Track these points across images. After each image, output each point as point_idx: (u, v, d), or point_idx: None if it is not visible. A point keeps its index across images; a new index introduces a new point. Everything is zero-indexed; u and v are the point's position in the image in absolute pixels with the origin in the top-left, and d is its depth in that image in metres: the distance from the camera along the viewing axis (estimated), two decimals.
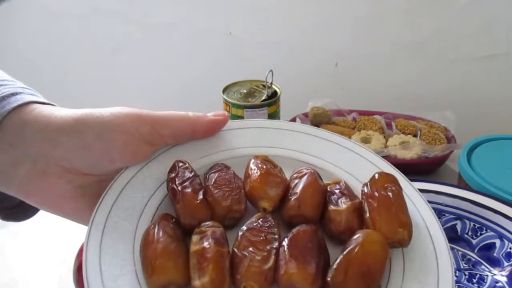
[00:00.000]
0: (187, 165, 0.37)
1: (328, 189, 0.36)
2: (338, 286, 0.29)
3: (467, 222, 0.52)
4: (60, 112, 0.36)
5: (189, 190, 0.34)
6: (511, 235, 0.49)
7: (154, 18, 1.04)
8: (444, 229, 0.52)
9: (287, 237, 0.32)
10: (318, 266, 0.30)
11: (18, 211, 0.41)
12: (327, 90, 0.96)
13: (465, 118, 0.79)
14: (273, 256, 0.31)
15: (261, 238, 0.32)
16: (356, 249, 0.30)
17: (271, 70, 0.68)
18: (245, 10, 0.99)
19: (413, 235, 0.33)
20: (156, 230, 0.32)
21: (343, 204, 0.34)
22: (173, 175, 0.36)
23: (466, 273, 0.48)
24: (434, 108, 0.82)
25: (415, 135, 0.75)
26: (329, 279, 0.29)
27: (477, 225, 0.52)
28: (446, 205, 0.53)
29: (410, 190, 0.37)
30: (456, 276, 0.48)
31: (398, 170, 0.39)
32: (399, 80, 0.95)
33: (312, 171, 0.37)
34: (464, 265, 0.49)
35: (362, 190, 0.35)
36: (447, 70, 0.91)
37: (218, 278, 0.29)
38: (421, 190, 0.54)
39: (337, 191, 0.36)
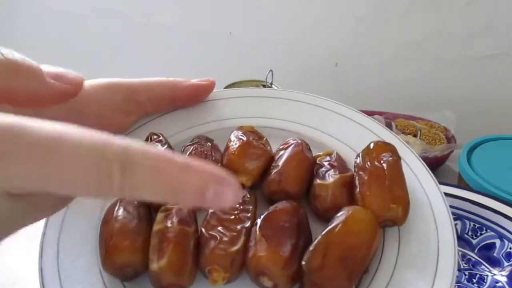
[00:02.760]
0: (161, 137, 0.33)
1: (317, 162, 0.32)
2: (314, 272, 0.25)
3: (467, 222, 0.52)
4: None
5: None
6: (511, 235, 0.49)
7: (154, 18, 1.04)
8: None
9: (262, 215, 0.28)
10: (294, 249, 0.26)
11: None
12: (327, 90, 0.96)
13: (465, 118, 0.79)
14: (243, 237, 0.27)
15: (233, 216, 0.28)
16: (337, 229, 0.26)
17: (271, 70, 0.68)
18: (245, 10, 0.99)
19: (413, 214, 0.28)
20: (116, 207, 0.29)
21: (331, 177, 0.30)
22: None
23: (466, 273, 0.48)
24: (434, 108, 0.82)
25: (415, 135, 0.75)
26: (303, 263, 0.25)
27: (477, 225, 0.51)
28: None
29: (416, 163, 0.32)
30: (456, 276, 0.48)
31: (404, 142, 0.33)
32: (399, 80, 0.95)
33: (300, 141, 0.32)
34: (464, 265, 0.49)
35: (355, 162, 0.31)
36: (447, 70, 0.91)
37: (179, 260, 0.26)
38: None
39: (326, 163, 0.31)
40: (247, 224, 0.28)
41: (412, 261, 0.27)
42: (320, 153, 0.33)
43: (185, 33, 1.04)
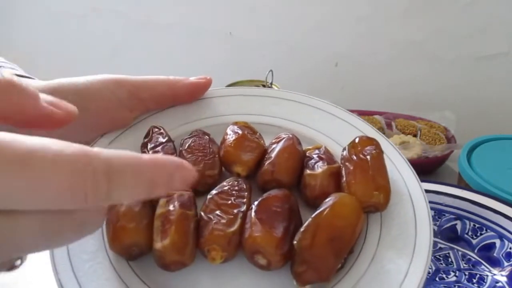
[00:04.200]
0: (161, 130, 0.35)
1: (307, 155, 0.35)
2: (304, 250, 0.27)
3: (467, 222, 0.52)
4: (39, 83, 0.35)
5: (159, 154, 0.33)
6: (511, 235, 0.49)
7: (154, 18, 1.04)
8: (444, 229, 0.52)
9: (256, 201, 0.30)
10: (286, 231, 0.28)
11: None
12: (327, 90, 0.96)
13: (465, 118, 0.79)
14: (239, 220, 0.29)
15: (230, 202, 0.30)
16: (326, 212, 0.28)
17: (271, 70, 0.68)
18: (245, 10, 0.99)
19: (394, 201, 0.31)
20: None
21: (319, 168, 0.33)
22: (146, 140, 0.35)
23: (466, 273, 0.48)
24: (434, 108, 0.82)
25: (415, 135, 0.75)
26: (295, 242, 0.28)
27: (477, 225, 0.52)
28: (446, 205, 0.53)
29: (397, 157, 0.35)
30: (456, 276, 0.48)
31: (385, 137, 0.37)
32: (399, 80, 0.95)
33: (291, 135, 0.35)
34: (464, 265, 0.49)
35: (342, 155, 0.34)
36: (447, 70, 0.91)
37: (181, 240, 0.28)
38: None
39: (315, 156, 0.34)
40: (243, 209, 0.30)
41: (393, 242, 0.30)
42: (310, 147, 0.36)
43: (185, 33, 1.04)
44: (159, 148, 0.34)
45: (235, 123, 0.36)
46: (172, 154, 0.34)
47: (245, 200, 0.31)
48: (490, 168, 0.60)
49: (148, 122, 0.37)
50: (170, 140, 0.35)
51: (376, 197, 0.30)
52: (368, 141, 0.33)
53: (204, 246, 0.28)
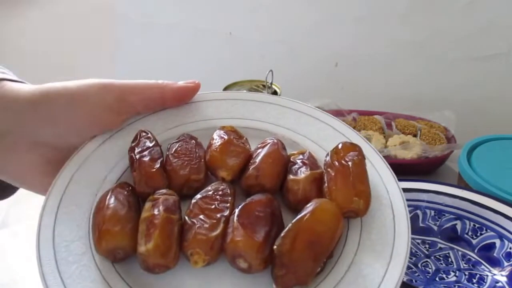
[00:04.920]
0: (149, 134, 0.36)
1: (291, 160, 0.35)
2: (284, 254, 0.28)
3: (467, 222, 0.52)
4: (29, 87, 0.36)
5: (146, 158, 0.34)
6: (511, 235, 0.49)
7: (154, 18, 1.04)
8: (444, 229, 0.52)
9: (239, 205, 0.31)
10: (267, 235, 0.29)
11: None
12: (327, 90, 0.96)
13: (465, 118, 0.79)
14: (222, 224, 0.30)
15: (213, 206, 0.31)
16: (306, 217, 0.29)
17: (271, 70, 0.68)
18: (245, 10, 0.99)
19: (375, 206, 0.32)
20: (108, 196, 0.31)
21: (302, 173, 0.33)
22: (133, 144, 0.35)
23: (466, 273, 0.48)
24: (434, 108, 0.82)
25: (415, 135, 0.75)
26: (275, 247, 0.28)
27: (477, 225, 0.52)
28: (446, 205, 0.53)
29: (379, 162, 0.36)
30: (456, 276, 0.48)
31: (369, 143, 0.37)
32: (399, 80, 0.95)
33: (276, 141, 0.36)
34: (464, 265, 0.49)
35: (325, 160, 0.34)
36: (447, 70, 0.91)
37: (164, 244, 0.29)
38: (421, 190, 0.54)
39: (299, 161, 0.35)
40: (226, 213, 0.31)
41: (372, 247, 0.30)
42: (294, 152, 0.36)
43: (185, 33, 1.04)
44: (145, 152, 0.34)
45: (222, 128, 0.37)
46: (158, 158, 0.34)
47: (228, 205, 0.31)
48: (490, 168, 0.60)
49: (137, 126, 0.38)
50: (157, 144, 0.36)
51: (356, 203, 0.31)
52: (351, 147, 0.34)
53: (187, 249, 0.29)
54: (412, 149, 0.70)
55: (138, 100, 0.37)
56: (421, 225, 0.53)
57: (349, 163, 0.33)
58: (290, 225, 0.29)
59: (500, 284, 0.46)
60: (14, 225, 0.62)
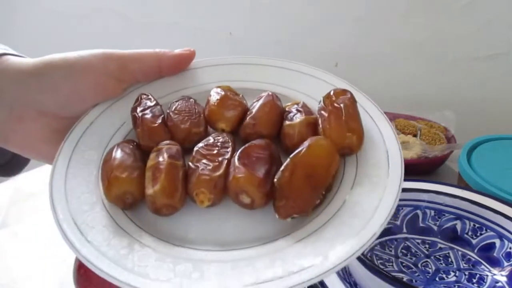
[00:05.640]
0: (149, 96, 0.38)
1: (287, 109, 0.37)
2: (284, 186, 0.30)
3: (467, 222, 0.52)
4: (32, 60, 0.37)
5: (148, 116, 0.36)
6: (511, 235, 0.49)
7: (154, 18, 1.05)
8: (444, 229, 0.52)
9: (239, 149, 0.32)
10: (267, 173, 0.31)
11: (7, 168, 0.43)
12: None
13: (465, 118, 0.79)
14: (224, 166, 0.32)
15: (215, 151, 0.33)
16: (302, 152, 0.31)
17: None
18: (245, 10, 0.99)
19: (368, 146, 0.34)
20: (115, 149, 0.33)
21: (297, 118, 0.35)
22: (135, 104, 0.37)
23: (466, 273, 0.48)
24: (434, 108, 0.82)
25: (415, 135, 0.75)
26: (275, 180, 0.30)
27: (477, 225, 0.52)
28: (446, 205, 0.53)
29: (371, 107, 0.38)
30: (456, 276, 0.48)
31: (359, 90, 0.39)
32: (399, 80, 0.95)
33: (270, 93, 0.37)
34: (464, 265, 0.49)
35: (318, 106, 0.36)
36: (447, 70, 0.91)
37: (170, 186, 0.30)
38: (421, 190, 0.54)
39: (294, 110, 0.37)
40: (227, 156, 0.33)
41: (368, 180, 0.32)
42: (289, 103, 0.38)
43: (185, 33, 1.04)
44: (147, 111, 0.36)
45: (218, 87, 0.39)
46: (159, 115, 0.36)
47: (229, 149, 0.33)
48: (490, 168, 0.60)
49: (137, 93, 0.39)
50: (157, 104, 0.38)
51: (349, 139, 0.33)
52: (342, 92, 0.36)
53: (193, 190, 0.31)
54: (412, 149, 0.70)
55: (138, 68, 0.39)
56: (421, 225, 0.53)
57: (341, 105, 0.35)
58: (288, 160, 0.31)
59: (500, 284, 0.46)
60: (14, 225, 0.62)
